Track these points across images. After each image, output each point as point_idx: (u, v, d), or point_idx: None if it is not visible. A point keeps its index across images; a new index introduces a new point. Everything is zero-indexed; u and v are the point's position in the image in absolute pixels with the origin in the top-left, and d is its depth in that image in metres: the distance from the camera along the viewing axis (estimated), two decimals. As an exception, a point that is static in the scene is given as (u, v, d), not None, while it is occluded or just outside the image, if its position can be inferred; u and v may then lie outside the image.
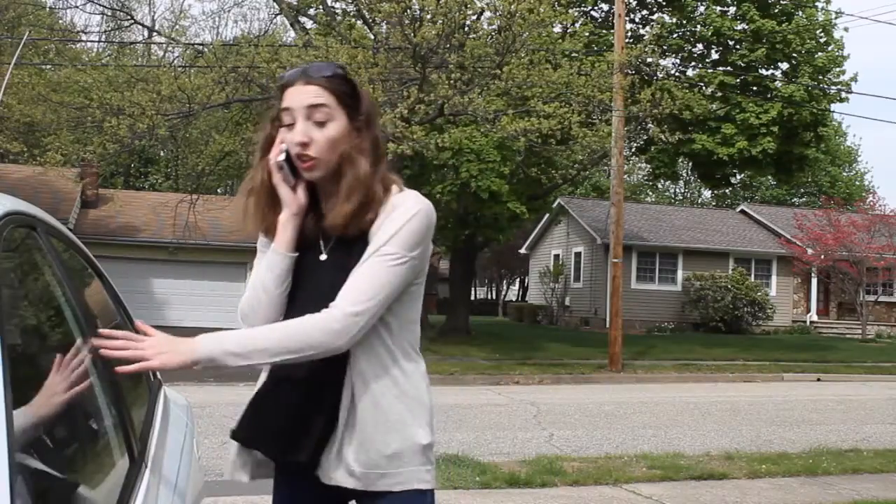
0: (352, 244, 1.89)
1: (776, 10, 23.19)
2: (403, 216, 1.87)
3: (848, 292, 28.67)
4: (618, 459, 7.43)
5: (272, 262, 1.93)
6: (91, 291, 2.38)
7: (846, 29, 38.22)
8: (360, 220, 1.87)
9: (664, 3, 23.58)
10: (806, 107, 22.94)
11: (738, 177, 35.50)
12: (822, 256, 27.21)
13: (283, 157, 1.89)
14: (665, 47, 22.16)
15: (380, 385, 1.88)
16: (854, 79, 23.74)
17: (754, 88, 23.61)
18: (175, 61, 20.73)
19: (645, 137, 22.43)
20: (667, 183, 45.43)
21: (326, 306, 1.83)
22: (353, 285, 1.83)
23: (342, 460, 1.87)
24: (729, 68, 23.24)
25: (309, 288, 1.92)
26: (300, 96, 1.88)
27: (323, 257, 1.93)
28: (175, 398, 3.01)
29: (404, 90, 14.52)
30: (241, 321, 1.97)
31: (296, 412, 1.89)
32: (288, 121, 1.89)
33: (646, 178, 34.84)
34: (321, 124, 1.87)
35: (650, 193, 49.14)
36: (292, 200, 1.92)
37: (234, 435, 2.00)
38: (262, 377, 2.01)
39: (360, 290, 1.82)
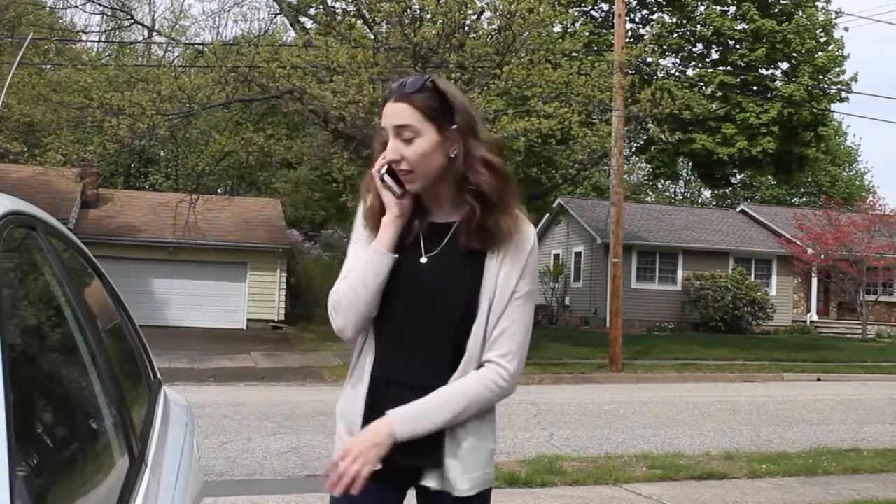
0: (456, 252, 2.00)
1: (776, 10, 23.21)
2: (526, 248, 2.01)
3: (848, 292, 28.66)
4: (618, 459, 7.43)
5: (373, 259, 2.01)
6: (91, 291, 2.38)
7: (846, 29, 38.17)
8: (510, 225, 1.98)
9: (664, 3, 23.60)
10: (806, 106, 22.96)
11: (738, 176, 35.56)
12: (822, 256, 27.19)
13: (384, 169, 2.02)
14: (665, 47, 22.16)
15: None
16: (854, 79, 23.79)
17: (754, 88, 23.64)
18: (175, 61, 20.75)
19: (645, 137, 22.44)
20: (667, 183, 45.47)
21: (430, 309, 1.98)
22: (506, 337, 1.97)
23: (456, 466, 1.99)
24: (729, 68, 23.26)
25: (409, 288, 2.01)
26: (389, 116, 1.98)
27: (423, 260, 2.02)
28: (175, 398, 3.01)
29: (404, 90, 14.52)
30: (332, 311, 2.03)
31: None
32: (385, 136, 2.01)
33: (646, 177, 34.88)
34: (409, 141, 1.96)
35: (650, 193, 49.12)
36: (394, 205, 2.01)
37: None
38: (361, 377, 2.06)
39: (514, 342, 1.98)
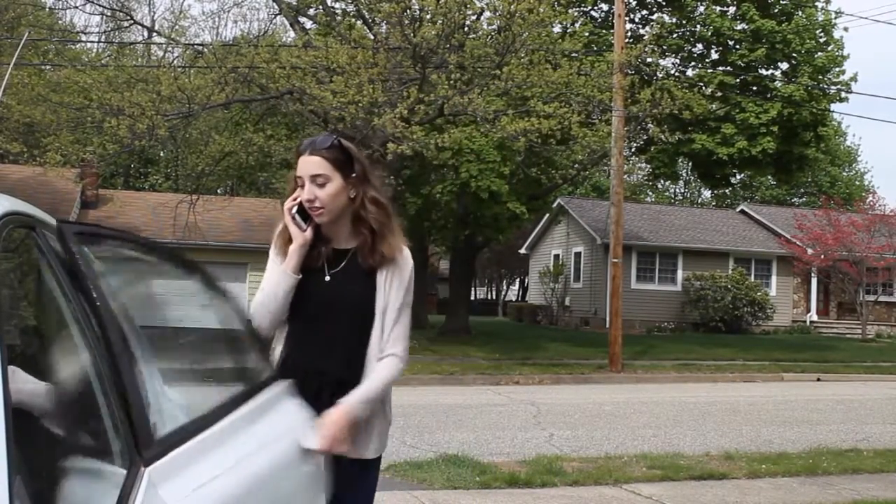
0: (352, 271, 2.57)
1: (776, 10, 23.18)
2: (407, 268, 2.61)
3: (848, 292, 28.67)
4: (618, 459, 7.43)
5: (281, 279, 2.57)
6: (90, 292, 2.37)
7: (846, 29, 38.22)
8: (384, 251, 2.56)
9: (664, 3, 23.58)
10: (806, 107, 22.94)
11: (738, 177, 35.51)
12: (822, 256, 27.19)
13: (295, 208, 2.56)
14: (665, 47, 22.14)
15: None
16: (854, 79, 23.73)
17: (754, 88, 23.61)
18: (175, 61, 20.72)
19: (645, 137, 22.41)
20: (667, 183, 45.44)
21: (334, 315, 2.56)
22: (398, 334, 2.57)
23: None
24: (729, 68, 23.23)
25: (316, 301, 2.58)
26: (306, 167, 2.54)
27: (327, 279, 2.59)
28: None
29: (404, 90, 14.52)
30: (251, 315, 2.57)
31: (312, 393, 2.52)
32: (301, 183, 2.57)
33: (646, 178, 34.82)
34: (322, 185, 2.53)
35: (650, 193, 49.13)
36: (299, 235, 2.57)
37: None
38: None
39: (404, 337, 2.58)
